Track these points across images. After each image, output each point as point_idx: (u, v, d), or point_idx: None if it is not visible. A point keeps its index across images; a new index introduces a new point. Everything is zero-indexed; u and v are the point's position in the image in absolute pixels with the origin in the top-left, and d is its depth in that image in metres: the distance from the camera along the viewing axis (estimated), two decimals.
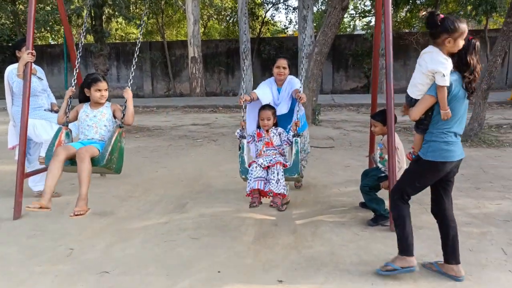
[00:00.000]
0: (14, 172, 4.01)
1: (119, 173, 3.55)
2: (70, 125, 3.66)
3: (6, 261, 3.05)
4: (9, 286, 2.71)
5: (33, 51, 4.02)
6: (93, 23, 12.53)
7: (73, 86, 3.57)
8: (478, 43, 2.58)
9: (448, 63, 2.51)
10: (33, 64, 4.07)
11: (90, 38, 20.98)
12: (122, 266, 2.95)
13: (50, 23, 17.52)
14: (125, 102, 3.40)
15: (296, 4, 19.89)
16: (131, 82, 3.71)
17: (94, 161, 3.18)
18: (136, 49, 3.81)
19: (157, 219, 3.87)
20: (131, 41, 23.41)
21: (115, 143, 3.27)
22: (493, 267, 2.79)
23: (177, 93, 19.05)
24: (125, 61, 19.56)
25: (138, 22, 18.42)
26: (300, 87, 3.67)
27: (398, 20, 18.35)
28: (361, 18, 23.27)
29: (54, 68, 19.19)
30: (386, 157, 3.45)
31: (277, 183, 3.19)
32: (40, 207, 2.99)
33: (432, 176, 2.66)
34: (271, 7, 20.86)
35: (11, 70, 4.13)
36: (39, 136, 4.22)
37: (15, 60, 4.22)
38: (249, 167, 3.36)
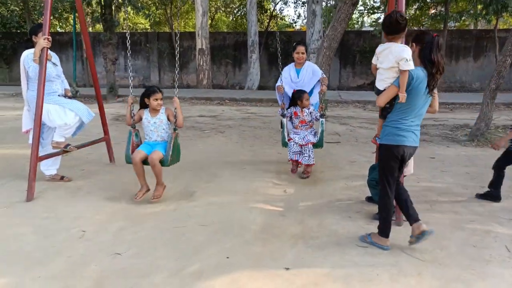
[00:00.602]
0: (25, 156, 4.10)
1: (179, 161, 4.17)
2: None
3: (21, 241, 3.14)
4: (26, 265, 2.80)
5: (49, 37, 4.08)
6: (103, 11, 12.59)
7: (132, 94, 4.22)
8: (441, 40, 2.86)
9: (408, 49, 2.84)
10: (48, 49, 4.14)
11: (99, 27, 21.06)
12: (133, 248, 3.03)
13: (59, 11, 17.61)
14: (175, 109, 4.00)
15: None
16: (177, 91, 4.22)
17: (160, 162, 3.94)
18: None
19: (167, 205, 3.95)
20: (139, 31, 23.44)
21: (174, 146, 3.98)
22: (496, 263, 2.85)
23: (184, 85, 19.09)
24: (133, 51, 19.59)
25: (146, 12, 18.49)
26: (322, 74, 5.00)
27: (407, 17, 18.25)
28: (369, 14, 23.17)
29: (62, 56, 19.22)
30: None
31: (308, 158, 4.68)
32: (143, 193, 4.04)
33: (392, 159, 2.97)
34: (280, 0, 20.79)
35: (27, 55, 4.19)
36: (52, 121, 4.30)
37: (30, 45, 4.29)
38: (288, 141, 4.76)
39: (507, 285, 2.58)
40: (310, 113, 4.76)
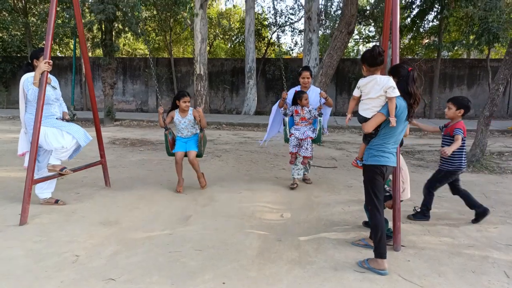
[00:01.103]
0: (20, 179, 4.07)
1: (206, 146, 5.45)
2: None
3: (11, 265, 3.08)
4: None
5: (50, 61, 4.14)
6: (103, 37, 12.81)
7: (161, 105, 5.41)
8: (416, 73, 3.17)
9: (391, 79, 3.09)
10: (48, 73, 4.19)
11: (99, 52, 21.37)
12: (127, 274, 2.97)
13: (60, 36, 17.89)
14: (199, 116, 5.19)
15: (302, 27, 20.31)
16: (200, 104, 4.32)
17: (196, 155, 5.18)
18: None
19: (161, 230, 3.90)
20: (138, 56, 23.78)
21: (204, 141, 5.27)
22: None
23: None
24: (131, 76, 19.82)
25: (147, 38, 18.82)
26: (321, 90, 5.64)
27: (401, 46, 18.69)
28: (364, 43, 23.69)
29: (61, 80, 19.42)
30: (391, 177, 3.51)
31: (306, 150, 5.31)
32: (181, 188, 5.23)
33: (377, 177, 3.15)
34: (277, 29, 21.24)
35: (27, 78, 4.23)
36: (49, 144, 4.30)
37: (31, 69, 4.34)
38: (290, 137, 5.36)
39: None
40: (310, 111, 5.41)
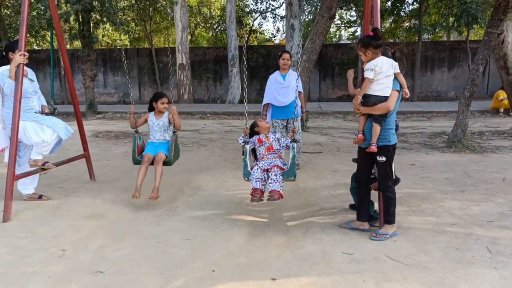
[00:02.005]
0: (2, 176, 3.97)
1: (179, 158, 4.70)
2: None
3: None
4: (1, 286, 2.68)
5: (26, 53, 4.01)
6: (81, 28, 12.49)
7: (132, 103, 4.89)
8: (397, 55, 3.46)
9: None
10: (24, 66, 4.07)
11: (77, 43, 20.86)
12: (115, 266, 2.95)
13: (36, 28, 17.39)
14: (173, 115, 4.52)
15: (283, 13, 20.17)
16: (172, 101, 4.80)
17: (164, 163, 4.41)
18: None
19: (148, 221, 3.87)
20: (118, 47, 23.31)
21: (175, 146, 4.53)
22: (479, 264, 2.89)
23: None
24: (112, 68, 19.45)
25: (126, 28, 18.44)
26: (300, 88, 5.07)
27: (383, 30, 18.77)
28: (346, 28, 23.71)
29: (39, 74, 18.94)
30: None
31: (275, 183, 3.58)
32: (137, 196, 4.19)
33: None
34: (259, 15, 21.08)
35: (2, 72, 4.09)
36: (29, 138, 4.19)
37: (6, 62, 4.20)
38: (251, 170, 3.72)
39: (489, 285, 2.62)
40: (278, 139, 3.94)
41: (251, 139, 3.94)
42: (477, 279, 2.69)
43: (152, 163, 4.44)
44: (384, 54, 3.30)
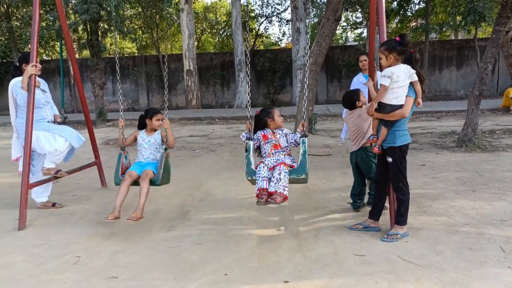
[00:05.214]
0: (15, 185, 4.04)
1: (168, 183, 4.15)
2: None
3: (13, 270, 3.08)
4: None
5: (38, 64, 4.10)
6: (89, 37, 12.69)
7: (122, 117, 4.41)
8: (417, 54, 3.34)
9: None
10: (36, 76, 4.15)
11: (86, 53, 21.13)
12: (129, 271, 2.99)
13: (45, 39, 17.69)
14: (165, 130, 4.06)
15: (289, 17, 20.24)
16: (166, 112, 4.33)
17: (151, 181, 3.91)
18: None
19: (160, 226, 3.91)
20: (126, 55, 23.57)
21: (165, 166, 4.00)
22: (492, 264, 2.87)
23: (173, 106, 19.14)
24: (120, 75, 19.68)
25: (133, 36, 18.65)
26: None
27: (389, 31, 18.71)
28: (352, 29, 23.68)
29: (50, 83, 19.17)
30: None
31: (277, 183, 3.27)
32: (115, 218, 3.68)
33: (406, 156, 3.41)
34: (265, 20, 21.17)
35: (16, 83, 4.19)
36: (42, 148, 4.27)
37: (19, 73, 4.29)
38: (256, 168, 3.45)
39: (503, 284, 2.60)
40: (285, 135, 3.63)
41: (255, 135, 3.63)
42: (490, 279, 2.67)
43: (136, 184, 3.93)
44: (403, 54, 3.22)
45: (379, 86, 3.31)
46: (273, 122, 3.64)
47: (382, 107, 3.29)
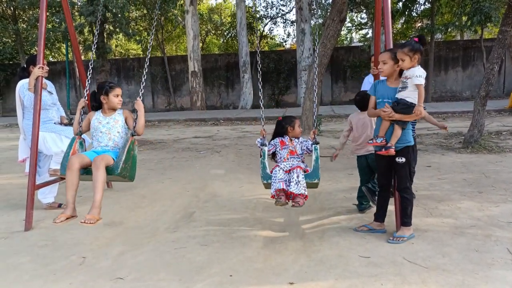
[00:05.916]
0: (22, 186, 4.07)
1: (132, 181, 3.61)
2: (84, 136, 3.73)
3: (19, 270, 3.10)
4: None
5: (45, 66, 4.13)
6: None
7: (85, 97, 3.73)
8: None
9: None
10: (43, 78, 4.18)
11: (88, 56, 21.26)
12: (134, 272, 3.00)
13: (51, 40, 17.82)
14: (136, 112, 3.45)
15: (294, 18, 20.24)
16: (142, 92, 3.78)
17: (108, 170, 3.24)
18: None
19: (166, 227, 3.92)
20: (131, 57, 23.69)
21: (129, 152, 3.31)
22: (499, 266, 2.85)
23: (177, 107, 19.20)
24: (125, 77, 19.76)
25: (138, 38, 18.74)
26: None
27: (394, 31, 18.66)
28: (357, 30, 23.62)
29: (56, 85, 19.33)
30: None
31: (297, 185, 3.27)
32: (67, 218, 3.12)
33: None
34: (269, 21, 21.18)
35: (23, 85, 4.23)
36: (49, 149, 4.31)
37: (26, 75, 4.33)
38: (271, 172, 3.42)
39: (510, 287, 2.58)
40: (301, 142, 3.70)
41: (272, 141, 3.71)
42: (497, 281, 2.65)
43: (88, 172, 3.22)
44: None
45: (373, 87, 3.51)
46: (292, 131, 3.68)
47: (406, 108, 3.23)
